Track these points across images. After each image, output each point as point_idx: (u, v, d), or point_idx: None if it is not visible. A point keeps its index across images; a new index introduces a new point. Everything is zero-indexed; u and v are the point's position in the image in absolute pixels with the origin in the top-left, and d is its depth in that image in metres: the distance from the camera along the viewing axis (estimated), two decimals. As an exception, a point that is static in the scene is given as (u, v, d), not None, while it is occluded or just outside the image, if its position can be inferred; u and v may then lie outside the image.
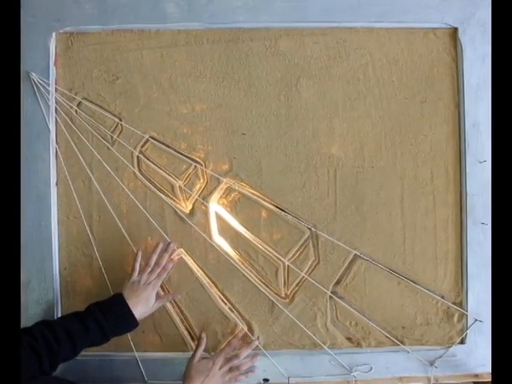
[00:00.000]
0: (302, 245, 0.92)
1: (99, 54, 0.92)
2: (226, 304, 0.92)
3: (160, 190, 0.92)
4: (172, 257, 0.90)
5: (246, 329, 0.91)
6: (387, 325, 0.92)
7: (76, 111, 0.92)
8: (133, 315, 0.81)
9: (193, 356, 0.85)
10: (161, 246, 0.88)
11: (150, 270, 0.86)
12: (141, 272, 0.86)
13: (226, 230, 0.92)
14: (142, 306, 0.83)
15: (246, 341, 0.91)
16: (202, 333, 0.90)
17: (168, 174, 0.92)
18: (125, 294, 0.82)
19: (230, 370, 0.85)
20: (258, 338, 0.91)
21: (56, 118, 0.91)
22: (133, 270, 0.86)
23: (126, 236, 0.91)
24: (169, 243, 0.89)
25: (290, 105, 0.92)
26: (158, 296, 0.86)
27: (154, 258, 0.87)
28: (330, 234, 0.92)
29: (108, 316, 0.79)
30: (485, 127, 0.91)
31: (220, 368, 0.84)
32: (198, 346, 0.88)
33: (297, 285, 0.92)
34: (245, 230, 0.92)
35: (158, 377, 0.91)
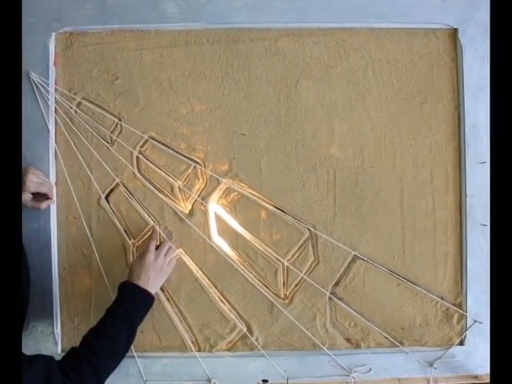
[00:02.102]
0: (301, 245, 0.92)
1: (99, 54, 0.92)
2: (225, 304, 0.92)
3: (159, 191, 0.92)
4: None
5: (245, 329, 0.92)
6: (386, 326, 0.92)
7: (75, 111, 0.92)
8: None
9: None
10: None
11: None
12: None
13: (225, 230, 0.92)
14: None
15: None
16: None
17: (167, 174, 0.92)
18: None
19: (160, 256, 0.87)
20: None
21: (55, 118, 0.91)
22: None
23: (125, 237, 0.91)
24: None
25: (290, 105, 0.92)
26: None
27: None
28: (329, 235, 0.91)
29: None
30: (484, 128, 0.91)
31: (156, 259, 0.86)
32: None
33: (296, 285, 0.92)
34: (244, 230, 0.92)
35: (156, 377, 0.91)
